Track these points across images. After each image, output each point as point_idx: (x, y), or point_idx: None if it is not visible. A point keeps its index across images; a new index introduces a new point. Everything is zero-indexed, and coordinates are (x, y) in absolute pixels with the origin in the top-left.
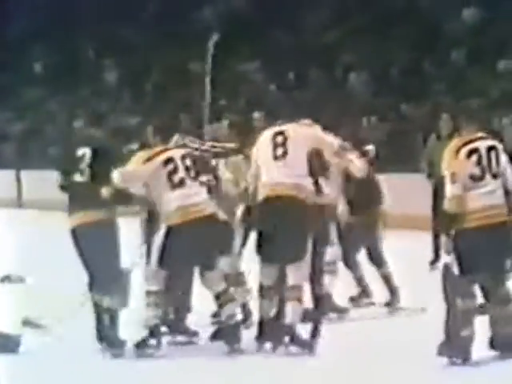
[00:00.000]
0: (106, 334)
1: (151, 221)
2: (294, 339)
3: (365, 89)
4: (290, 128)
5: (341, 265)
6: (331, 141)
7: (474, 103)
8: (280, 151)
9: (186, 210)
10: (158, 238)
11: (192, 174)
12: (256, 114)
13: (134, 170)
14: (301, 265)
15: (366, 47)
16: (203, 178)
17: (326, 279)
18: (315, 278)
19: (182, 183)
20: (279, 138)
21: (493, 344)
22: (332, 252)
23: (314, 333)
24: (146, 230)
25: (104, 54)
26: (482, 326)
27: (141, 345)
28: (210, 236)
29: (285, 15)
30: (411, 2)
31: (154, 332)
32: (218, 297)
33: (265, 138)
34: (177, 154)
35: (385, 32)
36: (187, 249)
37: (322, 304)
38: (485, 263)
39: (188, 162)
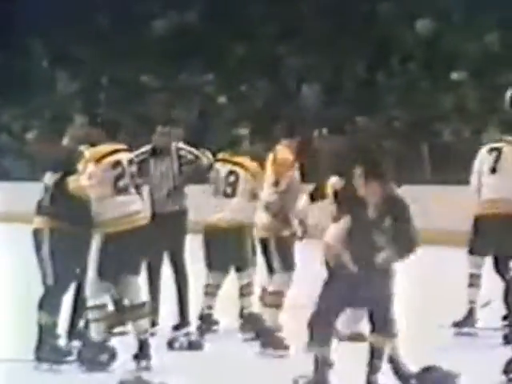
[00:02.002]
0: (50, 349)
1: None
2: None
3: (317, 100)
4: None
5: None
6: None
7: (427, 114)
8: None
9: (128, 218)
10: (96, 247)
11: (135, 180)
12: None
13: (90, 173)
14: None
15: (318, 58)
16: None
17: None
18: None
19: (125, 190)
20: None
21: None
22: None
23: None
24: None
25: (57, 64)
26: None
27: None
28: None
29: (237, 28)
30: (364, 14)
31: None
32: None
33: None
34: (124, 157)
35: (337, 43)
36: (123, 257)
37: None
38: None
39: (133, 168)
